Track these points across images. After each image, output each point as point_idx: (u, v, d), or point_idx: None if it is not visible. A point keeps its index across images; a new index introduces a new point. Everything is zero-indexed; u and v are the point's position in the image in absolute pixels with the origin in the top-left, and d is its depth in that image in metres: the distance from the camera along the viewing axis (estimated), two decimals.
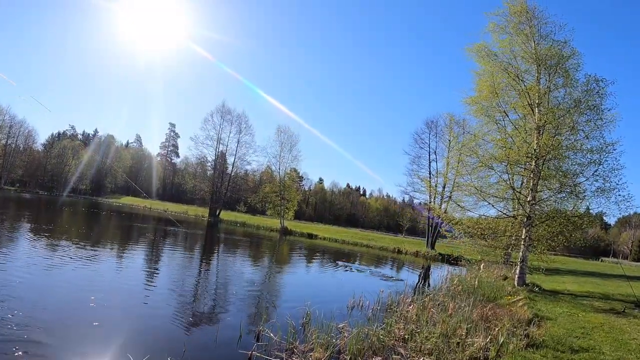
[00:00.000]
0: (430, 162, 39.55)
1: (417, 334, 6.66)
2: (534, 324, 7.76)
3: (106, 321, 6.52)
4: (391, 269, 22.99)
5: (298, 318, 7.74)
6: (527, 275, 14.06)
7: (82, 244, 15.25)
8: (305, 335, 6.68)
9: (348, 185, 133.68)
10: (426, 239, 39.16)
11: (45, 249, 12.98)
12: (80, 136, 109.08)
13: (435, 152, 39.38)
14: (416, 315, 8.28)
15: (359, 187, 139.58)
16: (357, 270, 19.03)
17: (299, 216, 71.30)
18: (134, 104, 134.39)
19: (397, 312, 8.82)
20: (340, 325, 7.04)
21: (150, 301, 8.37)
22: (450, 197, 27.08)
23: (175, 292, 9.54)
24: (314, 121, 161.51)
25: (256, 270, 15.96)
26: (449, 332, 6.81)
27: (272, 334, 6.33)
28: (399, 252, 35.19)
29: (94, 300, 7.50)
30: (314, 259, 20.97)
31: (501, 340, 6.20)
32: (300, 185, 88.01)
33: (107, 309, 7.19)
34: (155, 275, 11.70)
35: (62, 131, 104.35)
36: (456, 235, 14.35)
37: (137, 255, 15.00)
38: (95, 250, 14.23)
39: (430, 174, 39.28)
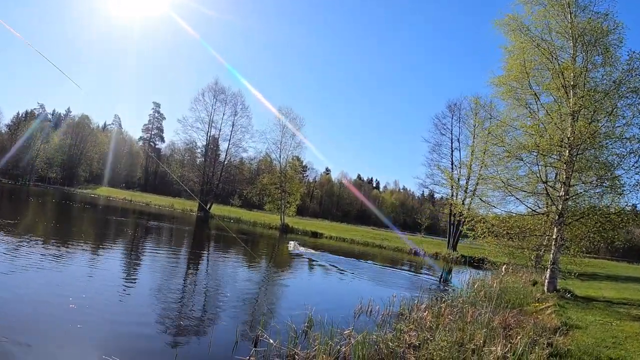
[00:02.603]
0: (452, 151, 39.87)
1: (429, 342, 7.02)
2: (560, 333, 8.08)
3: (83, 331, 6.59)
4: (407, 272, 23.37)
5: (299, 323, 8.13)
6: (559, 281, 14.33)
7: (51, 241, 15.40)
8: (307, 341, 7.08)
9: (359, 176, 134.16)
10: (447, 238, 39.52)
11: (5, 247, 12.63)
12: (50, 116, 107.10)
13: (458, 139, 39.66)
14: (430, 322, 8.64)
15: (372, 179, 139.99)
16: (361, 275, 19.41)
17: (301, 211, 71.66)
18: (111, 79, 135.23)
19: (409, 318, 9.19)
20: (346, 332, 7.41)
21: (132, 307, 8.60)
22: (474, 191, 27.34)
23: (162, 296, 9.95)
24: (316, 110, 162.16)
25: (252, 272, 16.39)
26: (464, 339, 7.16)
27: (271, 340, 6.72)
28: (416, 253, 35.57)
29: (66, 308, 7.52)
30: (318, 261, 21.35)
31: (520, 350, 6.53)
32: (303, 176, 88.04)
33: (82, 317, 7.16)
34: (137, 277, 12.11)
35: (29, 110, 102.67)
36: (480, 234, 14.60)
37: (115, 255, 15.27)
38: (66, 249, 14.29)
39: (452, 164, 39.61)
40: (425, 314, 9.39)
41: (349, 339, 7.04)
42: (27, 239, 15.07)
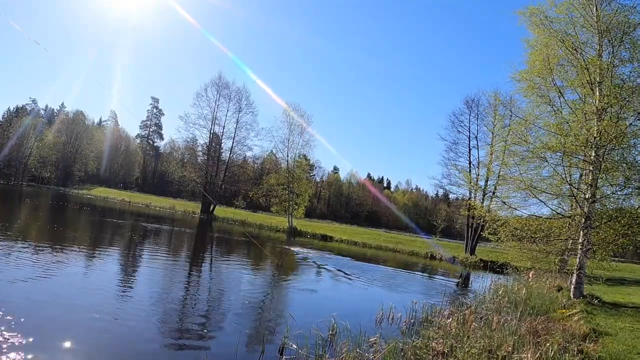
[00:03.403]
0: (470, 150, 39.89)
1: (457, 349, 7.36)
2: (589, 340, 8.38)
3: (77, 340, 6.67)
4: (424, 277, 23.67)
5: (323, 330, 8.49)
6: (585, 286, 14.56)
7: (45, 246, 15.67)
8: (333, 349, 7.45)
9: (369, 175, 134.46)
10: (465, 242, 39.69)
11: None
12: (43, 112, 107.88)
13: (476, 137, 39.65)
14: (456, 328, 8.97)
15: (383, 179, 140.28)
16: (378, 281, 19.74)
17: (309, 213, 71.73)
18: (107, 74, 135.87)
19: (434, 325, 9.53)
20: (372, 339, 7.76)
21: (132, 314, 8.69)
22: (494, 192, 27.59)
23: (175, 303, 10.34)
24: (322, 106, 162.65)
25: (263, 278, 16.84)
26: (493, 347, 7.49)
27: (297, 347, 7.10)
28: (433, 257, 35.82)
29: (57, 317, 7.68)
30: (328, 267, 21.69)
31: (551, 357, 6.85)
32: (311, 176, 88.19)
33: (75, 327, 7.23)
34: (137, 283, 12.27)
35: (20, 105, 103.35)
36: (503, 239, 14.88)
37: (113, 260, 15.45)
38: (61, 254, 14.38)
39: (470, 164, 39.67)
40: (449, 320, 9.71)
41: (375, 347, 7.40)
42: (20, 243, 15.15)
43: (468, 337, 8.03)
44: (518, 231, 14.56)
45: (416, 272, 25.55)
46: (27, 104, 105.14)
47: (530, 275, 18.09)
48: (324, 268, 20.59)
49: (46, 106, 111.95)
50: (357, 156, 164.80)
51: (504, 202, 15.76)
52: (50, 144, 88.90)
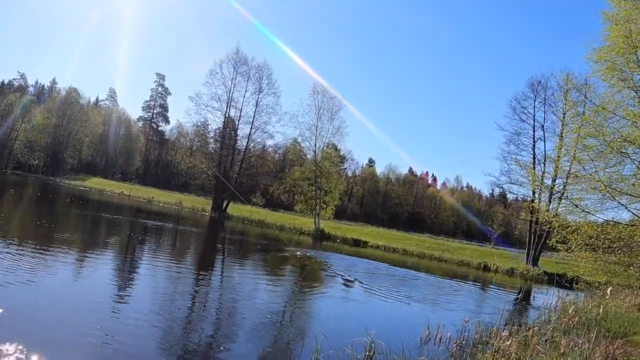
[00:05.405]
0: (534, 142, 39.24)
1: None
2: None
3: (71, 353, 6.70)
4: (474, 292, 23.58)
5: (358, 351, 8.64)
6: None
7: (27, 244, 15.55)
8: None
9: (411, 170, 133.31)
10: (526, 251, 39.15)
11: None
12: (31, 89, 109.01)
13: (542, 126, 38.88)
14: (516, 352, 9.02)
15: (427, 174, 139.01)
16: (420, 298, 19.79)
17: (338, 214, 71.40)
18: (107, 44, 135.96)
19: (490, 347, 9.59)
20: None
21: (144, 329, 8.58)
22: (562, 193, 27.01)
23: (180, 317, 10.40)
24: (357, 90, 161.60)
25: (283, 287, 17.03)
26: None
27: None
28: (487, 269, 35.55)
29: (36, 332, 7.23)
30: (358, 275, 21.84)
31: None
32: (342, 170, 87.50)
33: (58, 346, 7.00)
34: (136, 290, 12.12)
35: (7, 81, 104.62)
36: (575, 248, 14.73)
37: (109, 264, 15.18)
38: (45, 255, 14.14)
39: (534, 158, 39.03)
40: (508, 342, 9.74)
41: None
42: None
43: None
44: (592, 240, 14.39)
45: (467, 285, 25.46)
46: (14, 79, 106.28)
47: (609, 292, 17.80)
48: (354, 277, 20.68)
49: (36, 82, 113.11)
50: (398, 146, 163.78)
51: (575, 205, 15.58)
52: (40, 126, 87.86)
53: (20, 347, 6.27)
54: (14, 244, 14.92)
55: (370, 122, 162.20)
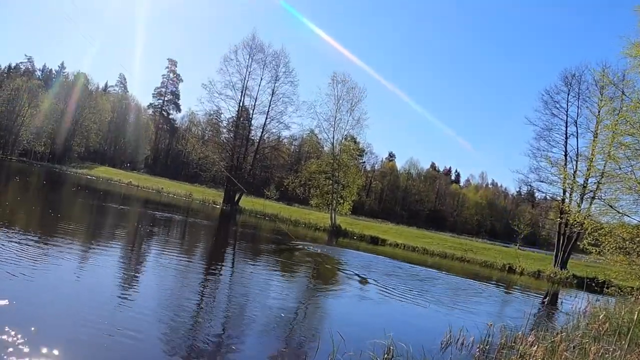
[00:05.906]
0: (567, 138, 38.67)
1: None
2: None
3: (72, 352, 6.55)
4: (499, 294, 23.39)
5: (377, 353, 8.59)
6: None
7: (32, 234, 15.49)
8: None
9: (433, 165, 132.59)
10: (554, 253, 38.68)
11: None
12: (39, 73, 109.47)
13: (575, 122, 38.24)
14: (542, 359, 8.90)
15: (450, 170, 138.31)
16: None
17: (356, 209, 71.17)
18: (117, 29, 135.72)
19: (515, 352, 9.48)
20: None
21: (150, 327, 8.50)
22: (595, 192, 26.55)
23: (188, 313, 10.31)
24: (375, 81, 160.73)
25: (297, 285, 17.07)
26: None
27: None
28: (512, 270, 35.25)
29: (39, 327, 7.01)
30: (376, 274, 21.77)
31: None
32: (360, 163, 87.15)
33: (61, 342, 6.68)
34: (143, 285, 12.02)
35: (14, 64, 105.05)
36: (608, 251, 14.51)
37: (112, 255, 15.07)
38: (49, 246, 14.14)
39: (566, 155, 38.47)
40: (534, 348, 9.62)
41: None
42: (3, 231, 14.75)
43: None
44: (627, 242, 14.14)
45: (490, 288, 25.26)
46: (21, 63, 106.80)
47: None
48: (370, 277, 20.63)
49: (44, 66, 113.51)
50: (420, 140, 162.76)
51: (610, 206, 15.30)
52: (47, 112, 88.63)
53: (25, 339, 6.27)
54: (19, 235, 14.77)
55: (392, 113, 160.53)
